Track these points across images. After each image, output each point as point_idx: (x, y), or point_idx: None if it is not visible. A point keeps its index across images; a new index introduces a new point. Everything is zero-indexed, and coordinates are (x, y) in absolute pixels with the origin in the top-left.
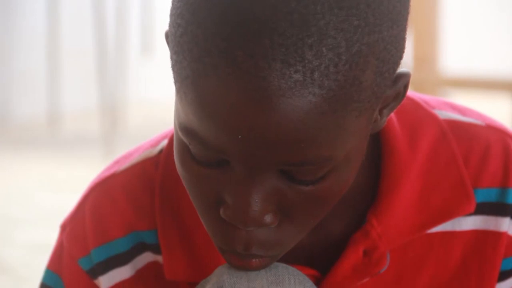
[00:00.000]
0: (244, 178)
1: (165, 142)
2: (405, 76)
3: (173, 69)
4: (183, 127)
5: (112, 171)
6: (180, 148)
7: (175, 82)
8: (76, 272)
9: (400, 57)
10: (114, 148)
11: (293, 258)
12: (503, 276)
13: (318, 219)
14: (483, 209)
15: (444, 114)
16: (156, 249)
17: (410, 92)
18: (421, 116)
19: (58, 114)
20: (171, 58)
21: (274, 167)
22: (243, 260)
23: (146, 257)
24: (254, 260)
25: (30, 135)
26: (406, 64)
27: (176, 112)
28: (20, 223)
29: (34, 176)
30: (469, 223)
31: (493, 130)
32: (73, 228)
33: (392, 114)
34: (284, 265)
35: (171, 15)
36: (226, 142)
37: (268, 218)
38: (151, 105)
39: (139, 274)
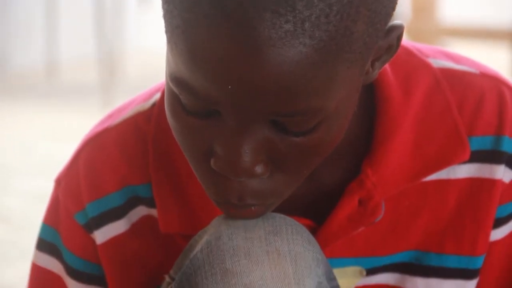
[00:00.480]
0: (235, 129)
1: (158, 96)
2: (398, 28)
3: (164, 19)
4: (174, 77)
5: (105, 125)
6: (171, 98)
7: (166, 32)
8: (73, 227)
9: (393, 8)
10: (112, 97)
11: (288, 208)
12: (498, 223)
13: (310, 170)
14: (477, 157)
15: (438, 62)
16: (150, 203)
17: (404, 41)
18: (415, 64)
19: (56, 64)
20: (162, 7)
21: (264, 118)
22: (239, 210)
23: (140, 211)
24: (251, 208)
25: (28, 84)
26: (404, 13)
27: (167, 63)
28: (18, 172)
29: (32, 125)
30: (463, 171)
31: (488, 78)
32: (67, 183)
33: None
34: (282, 215)
35: None
36: (217, 92)
37: (259, 169)
38: (149, 54)
39: (134, 228)
